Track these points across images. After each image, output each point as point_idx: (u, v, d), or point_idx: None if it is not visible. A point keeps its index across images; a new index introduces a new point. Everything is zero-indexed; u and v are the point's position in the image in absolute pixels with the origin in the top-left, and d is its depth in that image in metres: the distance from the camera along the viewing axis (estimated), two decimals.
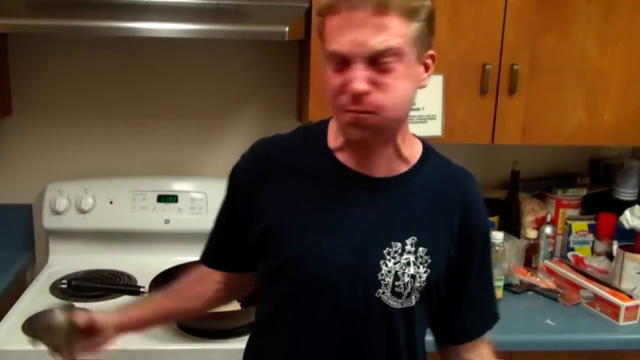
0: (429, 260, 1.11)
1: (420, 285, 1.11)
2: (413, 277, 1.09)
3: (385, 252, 1.09)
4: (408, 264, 1.09)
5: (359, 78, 1.00)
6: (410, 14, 1.00)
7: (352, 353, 1.14)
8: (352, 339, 1.13)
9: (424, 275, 1.10)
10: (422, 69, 1.08)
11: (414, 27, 1.01)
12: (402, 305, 1.10)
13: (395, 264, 1.09)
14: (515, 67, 1.84)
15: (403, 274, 1.09)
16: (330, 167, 1.15)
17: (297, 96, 2.17)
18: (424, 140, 1.21)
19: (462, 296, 1.21)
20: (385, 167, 1.13)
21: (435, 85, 1.84)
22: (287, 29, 1.70)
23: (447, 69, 1.83)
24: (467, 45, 1.83)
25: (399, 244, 1.10)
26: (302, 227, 1.13)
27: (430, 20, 1.04)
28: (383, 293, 1.09)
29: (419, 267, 1.10)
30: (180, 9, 1.77)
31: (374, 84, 1.01)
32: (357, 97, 1.01)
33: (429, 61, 1.09)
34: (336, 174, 1.14)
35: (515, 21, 1.82)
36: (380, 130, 1.06)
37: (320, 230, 1.12)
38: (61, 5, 1.74)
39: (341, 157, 1.14)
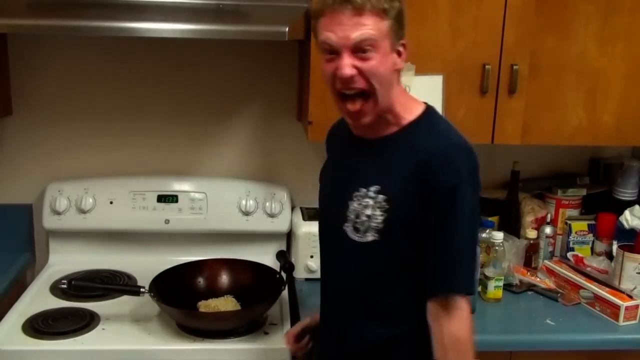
0: (387, 206, 1.32)
1: (377, 226, 1.32)
2: (369, 217, 1.33)
3: (353, 195, 1.36)
4: (367, 206, 1.34)
5: (345, 65, 1.26)
6: (381, 13, 1.25)
7: (336, 274, 1.46)
8: (333, 260, 1.47)
9: (380, 218, 1.32)
10: (396, 56, 1.32)
11: (385, 23, 1.26)
12: (360, 239, 1.35)
13: (358, 205, 1.35)
14: (515, 67, 1.84)
15: (361, 213, 1.34)
16: (348, 135, 1.45)
17: (297, 96, 2.17)
18: (428, 109, 1.39)
19: (425, 253, 1.33)
20: (377, 131, 1.38)
21: (435, 85, 1.84)
22: (287, 29, 1.70)
23: (447, 69, 1.83)
24: (467, 45, 1.83)
25: (364, 190, 1.35)
26: (324, 178, 1.55)
27: (399, 17, 1.29)
28: (347, 226, 1.36)
29: (375, 211, 1.32)
30: (181, 9, 1.77)
31: (358, 70, 1.27)
32: (346, 81, 1.28)
33: (401, 49, 1.33)
34: (349, 140, 1.45)
35: (515, 21, 1.82)
36: (371, 114, 1.32)
37: (328, 178, 1.52)
38: (61, 5, 1.74)
39: (353, 127, 1.43)
